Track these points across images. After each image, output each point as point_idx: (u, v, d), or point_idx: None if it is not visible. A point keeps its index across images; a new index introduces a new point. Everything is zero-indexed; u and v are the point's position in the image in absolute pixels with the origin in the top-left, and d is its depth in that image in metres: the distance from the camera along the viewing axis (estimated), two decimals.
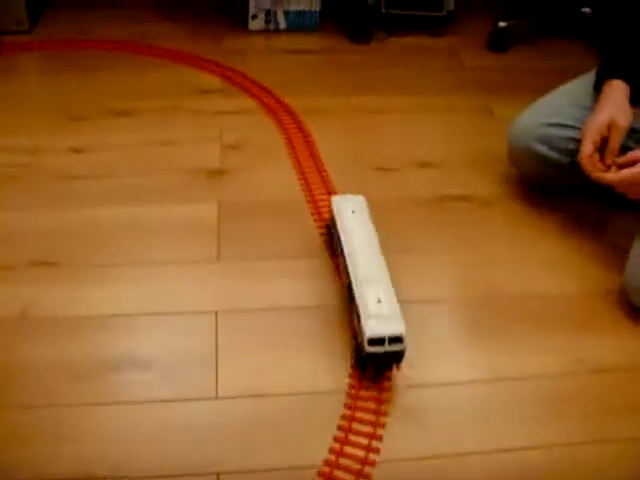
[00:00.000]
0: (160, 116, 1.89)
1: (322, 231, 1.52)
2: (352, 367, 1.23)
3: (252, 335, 1.29)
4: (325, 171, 1.69)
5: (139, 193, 1.61)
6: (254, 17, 2.31)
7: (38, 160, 1.71)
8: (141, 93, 1.98)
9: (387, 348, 1.16)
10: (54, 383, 1.19)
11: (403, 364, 1.20)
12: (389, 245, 1.45)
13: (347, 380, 1.20)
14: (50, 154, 1.73)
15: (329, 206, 1.45)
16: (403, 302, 1.32)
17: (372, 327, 1.16)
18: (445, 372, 1.24)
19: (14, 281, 1.38)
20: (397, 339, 1.16)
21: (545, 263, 1.48)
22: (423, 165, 1.75)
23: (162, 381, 1.20)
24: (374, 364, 1.21)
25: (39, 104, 1.93)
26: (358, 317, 1.20)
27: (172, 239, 1.49)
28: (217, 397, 1.17)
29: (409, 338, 1.18)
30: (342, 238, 1.35)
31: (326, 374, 1.22)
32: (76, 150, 1.74)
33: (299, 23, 2.33)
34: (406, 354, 1.18)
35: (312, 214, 1.56)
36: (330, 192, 1.60)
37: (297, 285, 1.39)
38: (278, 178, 1.68)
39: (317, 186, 1.64)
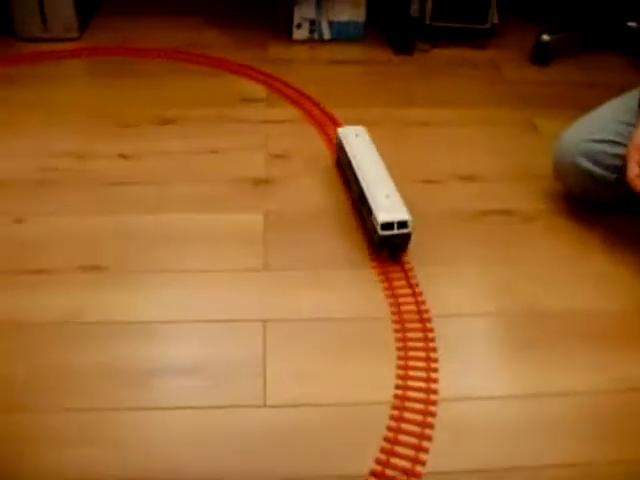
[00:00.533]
0: (206, 124, 1.91)
1: (334, 160, 1.77)
2: (398, 378, 1.24)
3: (300, 344, 1.30)
4: None
5: (186, 200, 1.63)
6: (299, 26, 2.33)
7: (86, 165, 1.74)
8: (187, 101, 2.01)
9: (396, 232, 1.43)
10: (100, 387, 1.21)
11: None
12: (431, 257, 1.47)
13: (393, 391, 1.22)
14: (98, 160, 1.76)
15: (336, 136, 1.72)
16: (446, 315, 1.36)
17: (383, 215, 1.43)
18: (488, 386, 1.25)
19: (62, 285, 1.41)
20: (404, 224, 1.43)
21: (589, 279, 1.48)
22: (466, 178, 1.75)
23: (210, 388, 1.22)
24: (387, 246, 1.47)
25: (87, 110, 1.96)
26: (370, 212, 1.47)
27: (219, 247, 1.51)
28: (265, 405, 1.19)
29: (452, 350, 1.25)
30: (350, 156, 1.61)
31: (372, 385, 1.23)
32: (124, 156, 1.77)
33: (343, 34, 2.34)
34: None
35: (357, 225, 1.58)
36: None
37: (344, 295, 1.41)
38: (323, 188, 1.69)
39: None
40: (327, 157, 1.80)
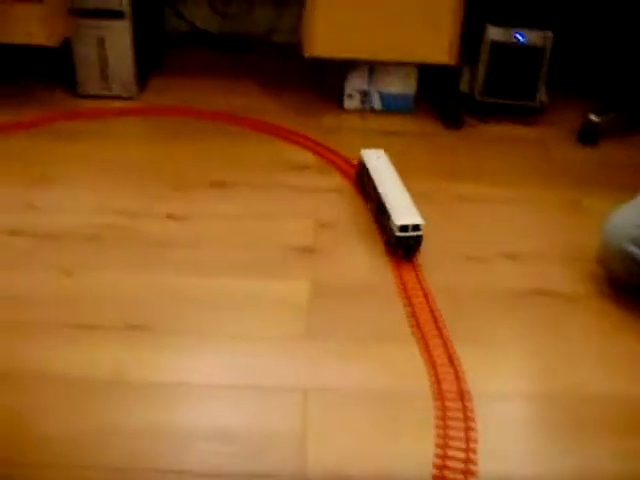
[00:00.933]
0: (255, 189, 1.95)
1: (353, 182, 2.01)
2: (436, 457, 1.24)
3: (340, 415, 1.30)
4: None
5: (232, 265, 1.66)
6: (350, 96, 2.37)
7: (136, 224, 1.78)
8: (238, 165, 2.05)
9: (411, 233, 1.65)
10: (141, 448, 1.22)
11: None
12: (472, 335, 1.47)
13: (431, 470, 1.21)
14: (148, 219, 1.80)
15: (359, 157, 1.97)
16: (486, 395, 1.36)
17: (401, 219, 1.66)
18: (526, 470, 1.24)
19: (106, 342, 1.43)
20: (417, 227, 1.66)
21: (630, 364, 1.46)
22: (509, 257, 1.75)
23: (248, 456, 1.22)
24: (402, 247, 1.68)
25: (141, 169, 2.02)
26: (389, 217, 1.69)
27: (262, 314, 1.53)
28: (305, 476, 1.19)
29: (491, 430, 1.26)
30: (371, 173, 1.86)
31: (411, 460, 1.23)
32: (173, 218, 1.81)
33: (394, 105, 2.38)
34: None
35: (402, 299, 1.59)
36: (420, 279, 1.64)
37: (385, 368, 1.41)
38: (369, 258, 1.71)
39: (407, 272, 1.67)
40: (374, 227, 1.82)
